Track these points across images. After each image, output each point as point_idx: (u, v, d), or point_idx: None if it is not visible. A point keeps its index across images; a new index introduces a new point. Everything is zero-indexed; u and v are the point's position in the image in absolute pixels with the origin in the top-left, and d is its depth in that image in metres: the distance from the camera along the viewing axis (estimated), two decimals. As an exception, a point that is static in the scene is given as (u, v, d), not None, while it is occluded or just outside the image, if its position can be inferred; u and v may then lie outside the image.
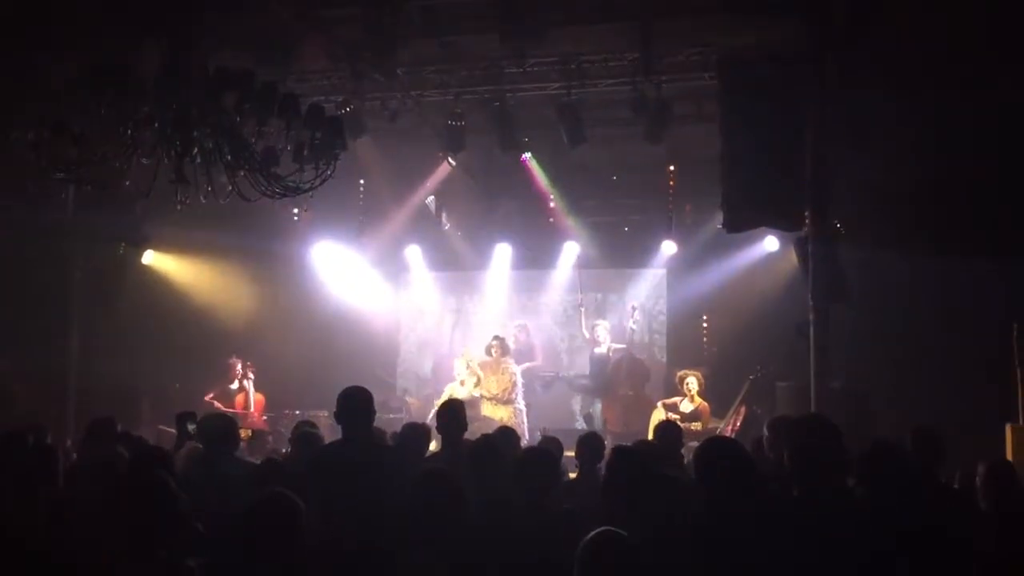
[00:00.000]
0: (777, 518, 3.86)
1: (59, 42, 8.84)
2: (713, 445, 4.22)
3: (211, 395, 12.60)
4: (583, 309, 14.09)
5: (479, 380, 12.84)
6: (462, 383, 12.87)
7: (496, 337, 13.20)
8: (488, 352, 13.06)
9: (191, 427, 6.12)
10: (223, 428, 5.95)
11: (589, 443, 6.05)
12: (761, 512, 3.77)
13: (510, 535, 3.86)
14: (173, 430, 8.05)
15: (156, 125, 5.95)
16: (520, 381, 12.98)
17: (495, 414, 12.50)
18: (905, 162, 10.03)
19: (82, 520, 4.34)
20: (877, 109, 9.91)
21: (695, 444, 4.74)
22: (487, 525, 3.96)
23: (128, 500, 3.79)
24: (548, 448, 5.52)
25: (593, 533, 3.33)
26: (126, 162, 6.12)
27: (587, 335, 13.71)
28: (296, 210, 12.65)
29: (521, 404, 12.90)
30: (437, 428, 5.90)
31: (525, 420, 12.78)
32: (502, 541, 3.85)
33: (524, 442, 10.41)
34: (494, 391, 12.78)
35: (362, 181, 14.26)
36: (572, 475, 6.18)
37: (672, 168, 13.25)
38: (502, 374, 12.89)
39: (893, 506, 4.26)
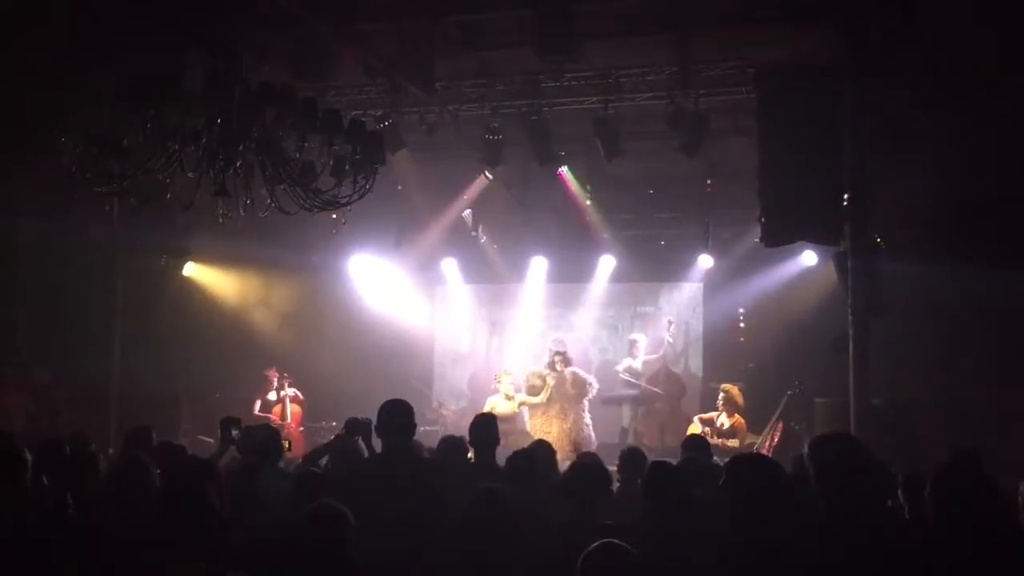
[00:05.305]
0: (805, 539, 3.75)
1: (102, 55, 8.95)
2: (744, 464, 4.10)
3: (257, 408, 12.73)
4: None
5: (549, 390, 12.29)
6: (508, 397, 12.32)
7: (558, 352, 12.74)
8: (552, 367, 12.52)
9: (235, 432, 6.09)
10: (266, 439, 6.00)
11: (631, 459, 6.04)
12: (787, 534, 3.68)
13: (554, 550, 3.84)
14: (211, 440, 8.06)
15: (203, 140, 6.00)
16: (595, 386, 12.62)
17: (557, 426, 12.04)
18: (945, 175, 9.91)
19: (120, 529, 4.35)
20: (916, 121, 9.82)
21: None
22: (531, 541, 3.94)
23: (166, 510, 3.79)
24: (598, 463, 5.50)
25: (595, 544, 3.31)
26: (169, 175, 6.19)
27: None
28: (335, 216, 12.67)
29: (587, 416, 12.40)
30: (469, 442, 5.91)
31: (592, 431, 12.33)
32: (545, 556, 3.83)
33: (593, 447, 10.49)
34: (568, 399, 12.30)
35: (399, 189, 14.29)
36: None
37: (709, 182, 13.20)
38: (573, 384, 12.43)
39: (930, 528, 4.18)
